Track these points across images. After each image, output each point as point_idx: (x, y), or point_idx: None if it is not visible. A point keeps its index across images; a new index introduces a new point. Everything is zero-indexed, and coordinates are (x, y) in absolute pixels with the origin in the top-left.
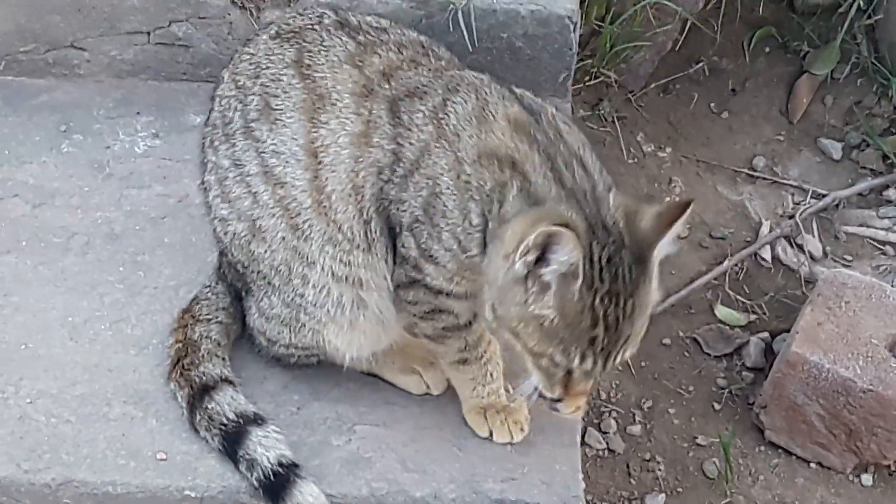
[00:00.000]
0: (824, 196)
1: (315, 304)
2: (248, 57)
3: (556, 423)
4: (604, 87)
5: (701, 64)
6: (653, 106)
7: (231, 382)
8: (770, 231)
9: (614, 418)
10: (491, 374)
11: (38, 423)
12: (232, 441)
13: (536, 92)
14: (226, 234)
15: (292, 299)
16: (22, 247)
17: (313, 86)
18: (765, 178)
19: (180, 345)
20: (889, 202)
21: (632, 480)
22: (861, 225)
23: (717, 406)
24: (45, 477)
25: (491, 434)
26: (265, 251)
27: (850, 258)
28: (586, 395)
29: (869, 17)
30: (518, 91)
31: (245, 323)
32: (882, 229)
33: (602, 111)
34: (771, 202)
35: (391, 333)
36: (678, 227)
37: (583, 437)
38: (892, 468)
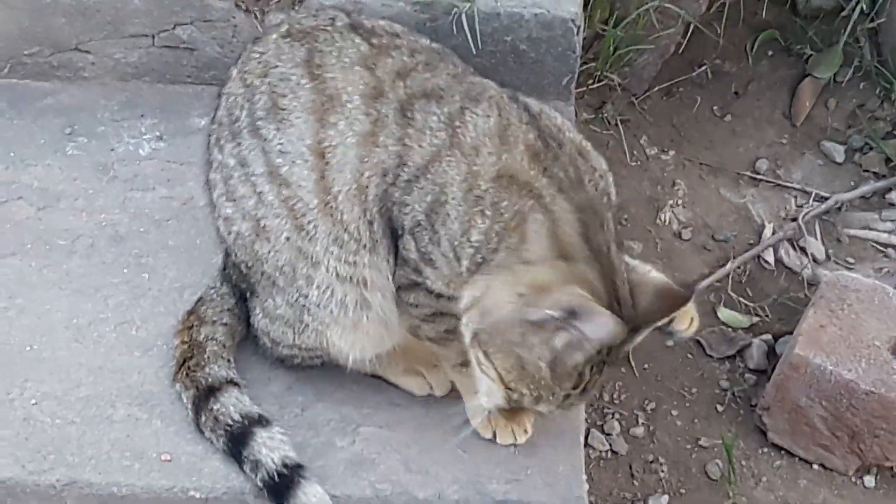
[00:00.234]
0: (827, 199)
1: (319, 305)
2: (258, 55)
3: (559, 424)
4: (607, 90)
5: (704, 67)
6: (656, 109)
7: (236, 384)
8: (773, 234)
9: (617, 420)
10: None
11: (43, 424)
12: (237, 442)
13: (540, 95)
14: (230, 233)
15: (296, 300)
16: (27, 249)
17: (323, 86)
18: (768, 181)
19: (185, 346)
20: (892, 205)
21: (635, 482)
22: (864, 228)
23: (719, 408)
24: (50, 478)
25: (494, 435)
26: (269, 251)
27: (852, 261)
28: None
29: (872, 20)
30: (535, 109)
31: (250, 324)
32: (885, 232)
33: (605, 114)
34: (774, 205)
35: (394, 335)
36: (676, 316)
37: (586, 438)
38: (895, 470)
